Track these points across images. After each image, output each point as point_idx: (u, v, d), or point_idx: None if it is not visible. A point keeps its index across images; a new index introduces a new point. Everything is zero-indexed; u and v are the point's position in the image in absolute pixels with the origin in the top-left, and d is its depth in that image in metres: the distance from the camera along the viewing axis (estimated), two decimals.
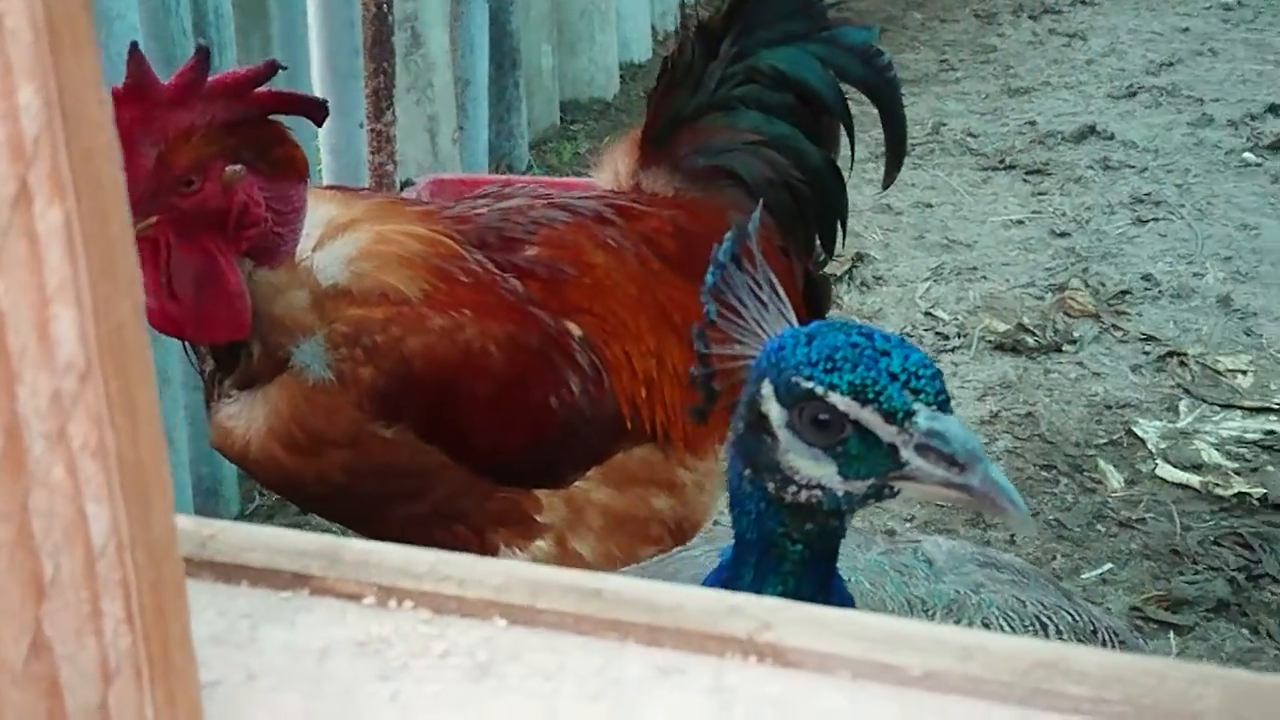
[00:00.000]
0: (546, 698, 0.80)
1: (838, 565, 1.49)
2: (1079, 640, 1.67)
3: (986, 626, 1.61)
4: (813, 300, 2.74)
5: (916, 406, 1.25)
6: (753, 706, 0.79)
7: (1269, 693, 0.77)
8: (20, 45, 0.60)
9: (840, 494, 1.31)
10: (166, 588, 0.71)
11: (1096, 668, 0.79)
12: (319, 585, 0.88)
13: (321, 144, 4.22)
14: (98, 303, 0.65)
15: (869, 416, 1.26)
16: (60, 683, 0.70)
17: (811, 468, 1.31)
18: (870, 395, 1.25)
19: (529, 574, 0.87)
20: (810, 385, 1.28)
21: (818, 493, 1.31)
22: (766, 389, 1.32)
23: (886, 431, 1.26)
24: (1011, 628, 1.62)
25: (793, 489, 1.32)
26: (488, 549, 2.40)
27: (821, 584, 1.39)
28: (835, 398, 1.26)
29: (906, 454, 1.26)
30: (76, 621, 0.69)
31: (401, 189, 4.07)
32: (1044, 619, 1.67)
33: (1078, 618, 1.73)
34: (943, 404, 1.27)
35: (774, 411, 1.31)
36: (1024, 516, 1.24)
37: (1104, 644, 1.73)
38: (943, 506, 3.49)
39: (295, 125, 2.33)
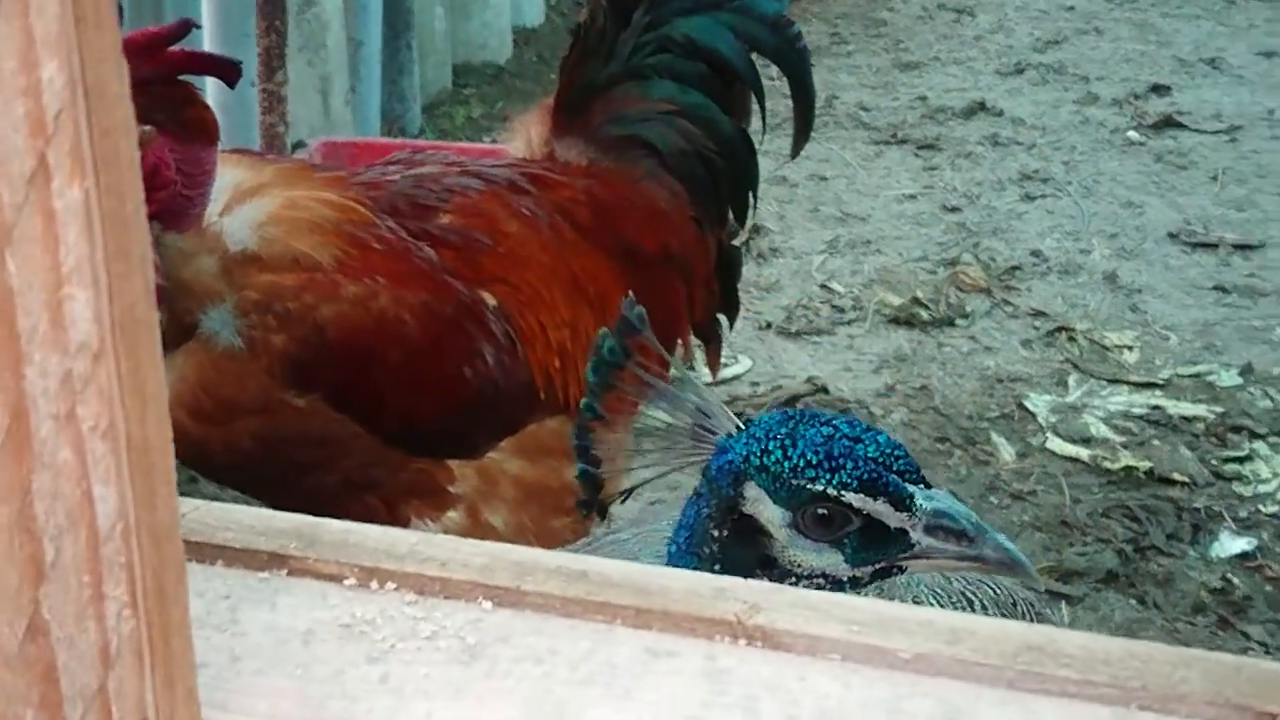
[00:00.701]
0: (539, 681, 0.79)
1: None
2: (1001, 614, 1.70)
3: (918, 604, 1.63)
4: (725, 270, 2.75)
5: (911, 490, 1.31)
6: (746, 689, 0.79)
7: (1249, 675, 0.79)
8: (46, 19, 0.58)
9: (845, 579, 1.36)
10: (168, 571, 0.70)
11: (1083, 651, 0.80)
12: (297, 566, 0.87)
13: (211, 103, 4.13)
14: (113, 282, 0.63)
15: (880, 508, 1.31)
16: (57, 667, 0.69)
17: (816, 559, 1.35)
18: (879, 488, 1.30)
19: (514, 556, 0.86)
20: (821, 488, 1.31)
21: (820, 580, 1.36)
22: (753, 492, 1.35)
23: (896, 519, 1.32)
24: (940, 605, 1.64)
25: (791, 580, 1.36)
26: (399, 520, 2.38)
27: None
28: (850, 496, 1.31)
29: (916, 535, 1.32)
30: (77, 605, 0.68)
31: (293, 150, 4.02)
32: (969, 595, 1.69)
33: (998, 592, 1.76)
34: (923, 479, 1.33)
35: (769, 513, 1.35)
36: (1033, 574, 1.32)
37: (1023, 617, 1.76)
38: None
39: None
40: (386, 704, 0.78)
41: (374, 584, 0.86)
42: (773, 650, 0.82)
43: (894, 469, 1.31)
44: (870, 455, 1.31)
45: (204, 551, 0.88)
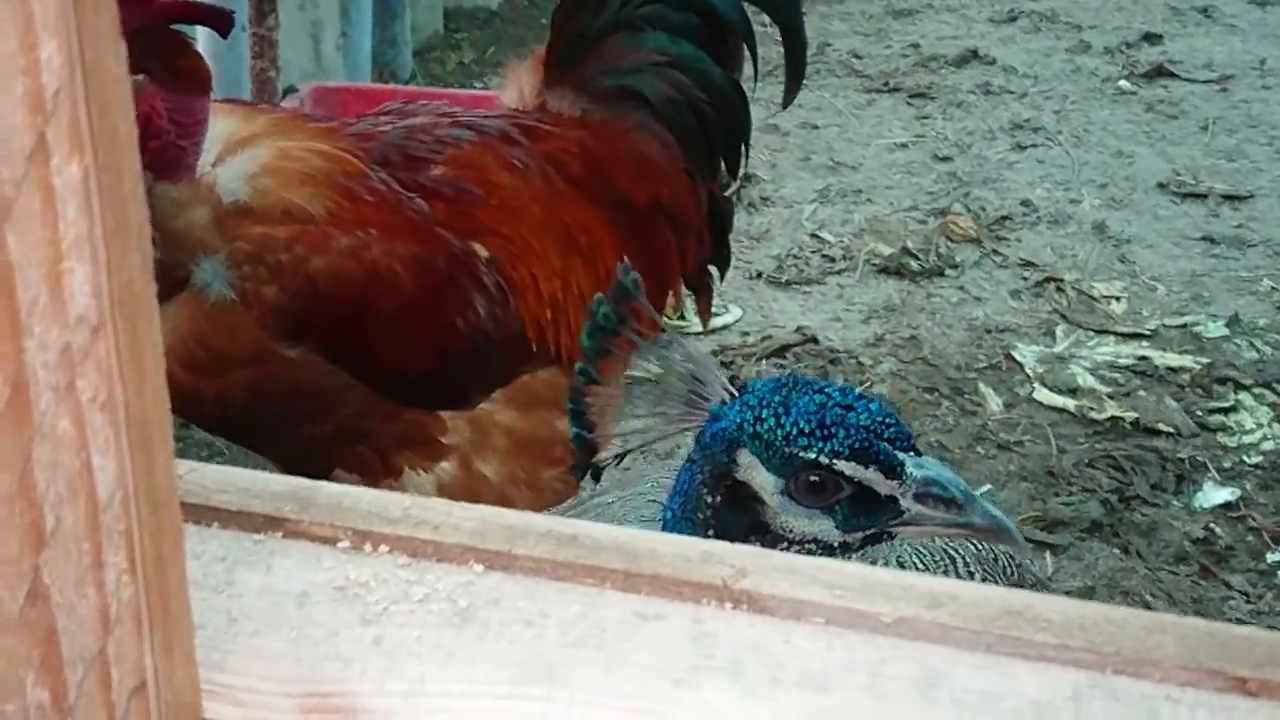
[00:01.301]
0: (530, 643, 0.81)
1: None
2: (984, 568, 1.72)
3: (901, 565, 1.65)
4: (717, 221, 2.76)
5: (902, 457, 1.33)
6: (732, 652, 0.81)
7: (1221, 639, 0.81)
8: (45, 1, 0.59)
9: (836, 545, 1.37)
10: (166, 537, 0.71)
11: (1060, 615, 0.82)
12: (293, 528, 0.89)
13: (201, 49, 4.12)
14: (111, 258, 0.64)
15: (871, 475, 1.33)
16: (57, 630, 0.70)
17: (807, 526, 1.37)
18: (871, 456, 1.32)
19: (505, 519, 0.88)
20: (813, 455, 1.33)
21: (811, 545, 1.37)
22: (746, 459, 1.36)
23: (887, 486, 1.33)
24: (923, 561, 1.66)
25: (783, 545, 1.37)
26: (392, 470, 2.40)
27: None
28: (841, 464, 1.32)
29: (906, 503, 1.34)
30: (77, 572, 0.69)
31: (284, 96, 4.01)
32: (951, 552, 1.71)
33: (980, 548, 1.78)
34: (914, 447, 1.35)
35: (762, 480, 1.36)
36: (1020, 541, 1.34)
37: (1004, 570, 1.78)
38: None
39: None
40: (379, 665, 0.80)
41: (368, 547, 0.87)
42: (758, 614, 0.83)
43: (885, 437, 1.33)
44: (862, 423, 1.32)
45: (201, 514, 0.89)
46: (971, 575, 1.72)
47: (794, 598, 0.83)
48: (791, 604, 0.83)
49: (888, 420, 1.34)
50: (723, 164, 2.74)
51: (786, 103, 2.84)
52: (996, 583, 1.74)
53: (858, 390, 1.37)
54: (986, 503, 1.34)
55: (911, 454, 1.34)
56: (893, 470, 1.33)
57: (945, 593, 0.83)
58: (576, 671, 0.80)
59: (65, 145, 0.62)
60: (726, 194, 2.85)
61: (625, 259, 1.52)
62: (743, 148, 2.75)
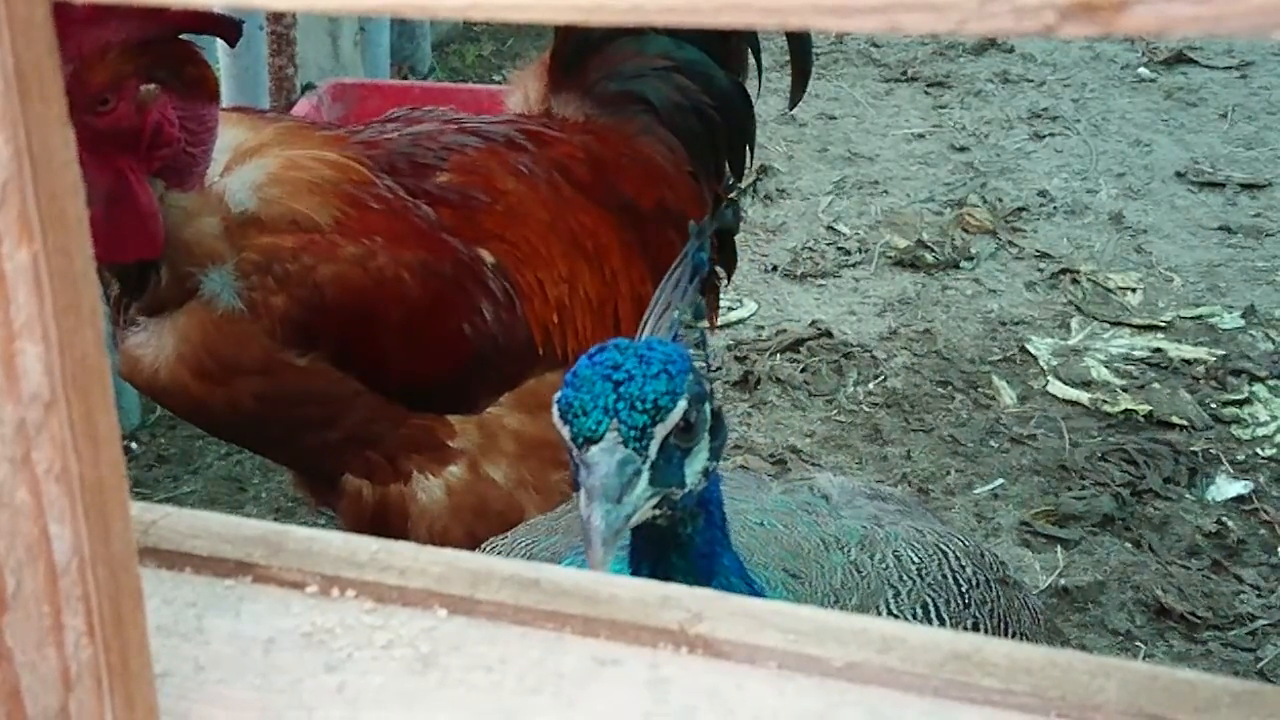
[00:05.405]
0: (489, 690, 0.83)
1: (748, 507, 1.56)
2: (971, 564, 1.74)
3: (898, 559, 1.67)
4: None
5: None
6: (687, 698, 0.83)
7: (1164, 684, 0.82)
8: None
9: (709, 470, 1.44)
10: (125, 599, 0.74)
11: (1006, 659, 0.83)
12: (262, 573, 0.91)
13: (219, 46, 4.14)
14: (63, 336, 0.66)
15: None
16: (21, 689, 0.73)
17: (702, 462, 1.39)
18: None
19: (470, 563, 0.90)
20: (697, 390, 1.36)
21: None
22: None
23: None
24: (919, 557, 1.69)
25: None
26: (401, 475, 2.42)
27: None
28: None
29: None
30: (38, 634, 0.72)
31: (302, 92, 4.03)
32: (943, 547, 1.74)
33: (966, 543, 1.80)
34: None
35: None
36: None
37: (990, 565, 1.80)
38: (840, 422, 3.56)
39: None
40: (342, 714, 0.82)
41: (335, 592, 0.89)
42: (714, 658, 0.85)
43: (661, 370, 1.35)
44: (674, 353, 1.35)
45: (173, 559, 0.91)
46: (963, 568, 1.74)
47: (748, 642, 0.85)
48: (746, 648, 0.85)
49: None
50: (728, 166, 2.75)
51: (793, 104, 2.85)
52: (984, 576, 1.76)
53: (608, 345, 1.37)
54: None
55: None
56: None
57: (895, 637, 0.85)
58: (533, 718, 0.82)
59: (15, 232, 0.64)
60: (743, 186, 2.86)
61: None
62: (747, 150, 2.76)
